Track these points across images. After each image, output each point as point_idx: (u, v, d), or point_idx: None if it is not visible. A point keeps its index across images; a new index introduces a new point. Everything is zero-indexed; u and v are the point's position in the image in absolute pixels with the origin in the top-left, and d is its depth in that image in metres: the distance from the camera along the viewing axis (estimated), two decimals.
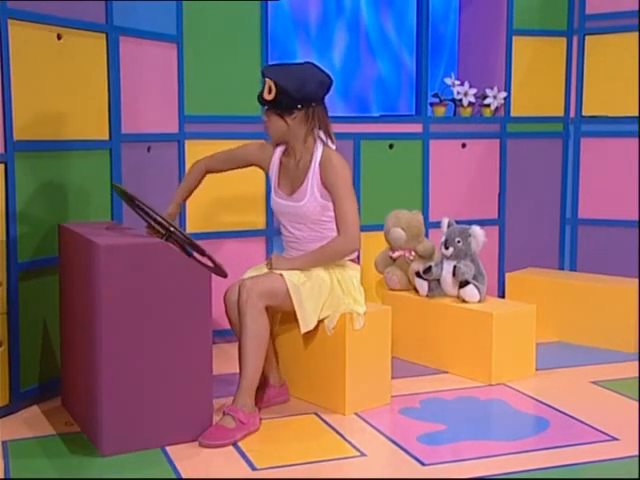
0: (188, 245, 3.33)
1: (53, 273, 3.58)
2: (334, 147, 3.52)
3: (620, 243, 4.96)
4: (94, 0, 3.77)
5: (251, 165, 3.72)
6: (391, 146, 4.91)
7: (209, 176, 3.78)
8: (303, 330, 3.44)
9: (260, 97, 3.46)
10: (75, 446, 3.17)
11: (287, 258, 3.52)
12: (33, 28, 3.48)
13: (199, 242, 3.29)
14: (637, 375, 4.04)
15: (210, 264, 3.28)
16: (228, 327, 3.61)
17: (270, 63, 3.57)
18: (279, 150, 3.60)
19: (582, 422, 3.45)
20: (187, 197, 3.80)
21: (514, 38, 5.06)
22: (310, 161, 3.48)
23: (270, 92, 3.40)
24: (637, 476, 2.94)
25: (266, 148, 3.66)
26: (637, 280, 4.56)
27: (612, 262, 4.95)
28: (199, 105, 4.43)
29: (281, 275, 3.38)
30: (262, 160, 3.66)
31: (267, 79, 3.41)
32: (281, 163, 3.59)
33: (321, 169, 3.45)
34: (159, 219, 3.26)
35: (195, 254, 3.34)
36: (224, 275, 3.32)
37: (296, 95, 3.40)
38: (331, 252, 3.48)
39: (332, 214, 3.49)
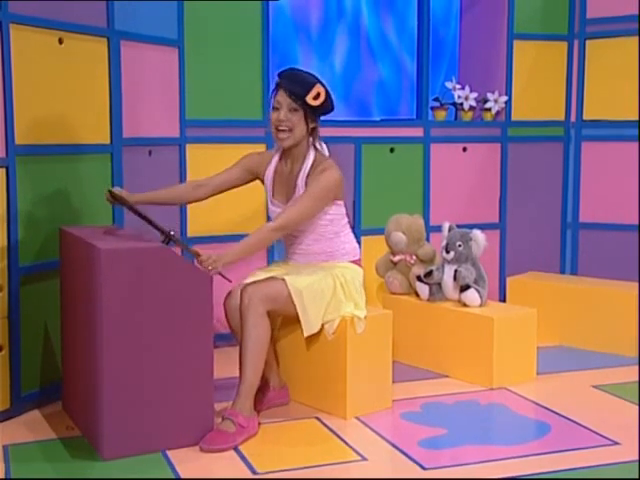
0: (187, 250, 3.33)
1: (54, 277, 3.58)
2: (327, 154, 3.54)
3: (621, 247, 4.96)
4: (95, 0, 3.78)
5: (251, 176, 3.65)
6: (392, 150, 4.91)
7: None
8: (306, 333, 3.44)
9: (295, 94, 3.37)
10: (76, 450, 3.17)
11: (224, 252, 3.32)
12: (35, 32, 3.48)
13: (199, 247, 3.29)
14: (638, 379, 4.04)
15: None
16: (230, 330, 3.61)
17: (291, 67, 3.54)
18: (274, 160, 3.60)
19: (583, 426, 3.45)
20: (149, 202, 3.58)
21: (515, 42, 5.06)
22: (301, 167, 3.50)
23: (317, 98, 3.39)
24: None
25: (263, 155, 3.68)
26: (638, 284, 4.56)
27: (613, 266, 4.94)
28: (200, 109, 4.43)
29: (283, 280, 3.38)
30: (260, 166, 3.62)
31: (318, 85, 3.40)
32: (276, 172, 3.59)
33: (309, 173, 3.47)
34: (157, 224, 3.26)
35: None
36: (228, 280, 3.34)
37: (330, 107, 3.47)
38: (259, 233, 3.40)
39: (329, 217, 3.51)
